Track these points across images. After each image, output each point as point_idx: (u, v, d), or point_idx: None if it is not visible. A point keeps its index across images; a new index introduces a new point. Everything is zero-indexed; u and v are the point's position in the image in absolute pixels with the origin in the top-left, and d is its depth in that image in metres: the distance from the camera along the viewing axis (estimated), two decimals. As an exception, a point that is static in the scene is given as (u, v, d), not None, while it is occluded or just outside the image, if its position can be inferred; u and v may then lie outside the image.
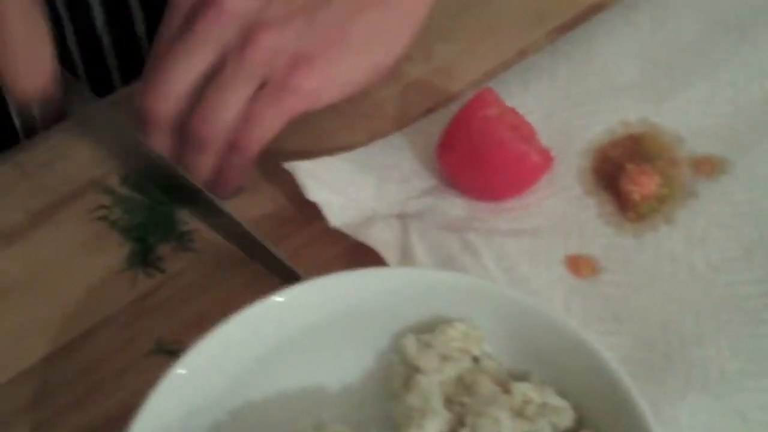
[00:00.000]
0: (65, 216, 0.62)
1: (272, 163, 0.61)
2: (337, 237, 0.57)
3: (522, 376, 0.46)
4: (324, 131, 0.64)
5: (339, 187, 0.59)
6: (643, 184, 0.58)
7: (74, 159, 0.65)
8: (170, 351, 0.55)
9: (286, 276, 0.54)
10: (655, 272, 0.55)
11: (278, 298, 0.46)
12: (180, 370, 0.43)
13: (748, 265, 0.55)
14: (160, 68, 0.57)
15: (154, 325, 0.56)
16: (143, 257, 0.59)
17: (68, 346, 0.56)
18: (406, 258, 0.55)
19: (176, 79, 0.56)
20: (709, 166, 0.60)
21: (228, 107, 0.56)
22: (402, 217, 0.59)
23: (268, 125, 0.57)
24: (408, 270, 0.50)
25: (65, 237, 0.61)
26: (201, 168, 0.58)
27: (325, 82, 0.58)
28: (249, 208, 0.60)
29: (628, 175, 0.58)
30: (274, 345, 0.46)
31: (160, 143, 0.59)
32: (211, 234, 0.60)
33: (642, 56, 0.66)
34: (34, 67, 0.57)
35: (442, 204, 0.59)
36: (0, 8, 0.54)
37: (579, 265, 0.56)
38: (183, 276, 0.58)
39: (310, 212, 0.58)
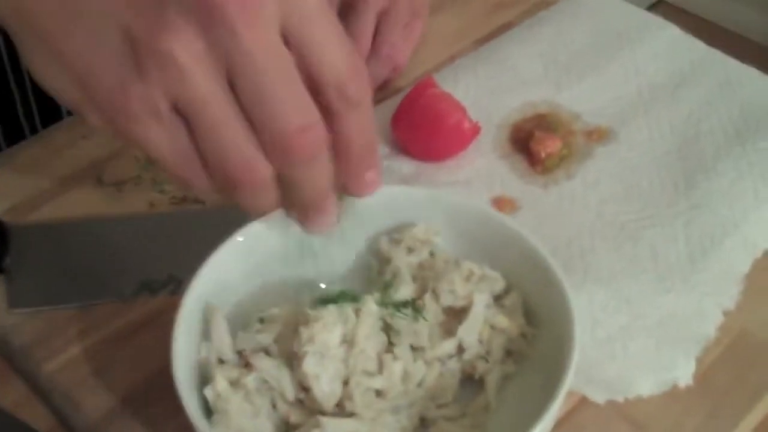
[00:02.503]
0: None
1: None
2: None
3: (465, 259, 0.63)
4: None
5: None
6: (548, 145, 0.76)
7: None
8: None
9: None
10: (559, 207, 0.73)
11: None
12: (239, 237, 0.60)
13: (628, 201, 0.73)
14: None
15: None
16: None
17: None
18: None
19: None
20: (599, 135, 0.78)
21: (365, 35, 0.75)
22: (365, 174, 0.75)
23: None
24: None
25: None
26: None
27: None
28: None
29: (536, 139, 0.76)
30: (288, 244, 0.62)
31: None
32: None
33: (545, 58, 0.85)
34: None
35: (395, 165, 0.76)
36: None
37: (502, 205, 0.73)
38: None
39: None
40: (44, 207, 0.75)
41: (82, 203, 0.75)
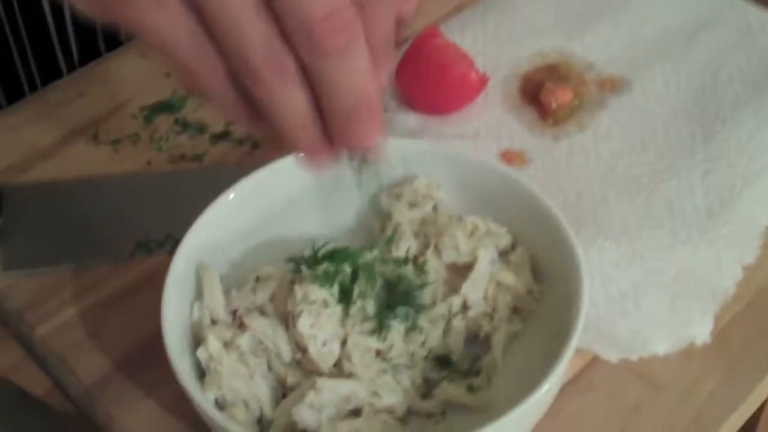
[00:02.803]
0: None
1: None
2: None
3: (470, 214, 0.60)
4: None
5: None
6: (559, 96, 0.73)
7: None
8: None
9: None
10: (570, 160, 0.70)
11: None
12: (231, 195, 0.57)
13: (642, 152, 0.70)
14: None
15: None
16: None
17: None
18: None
19: None
20: (612, 84, 0.75)
21: None
22: (368, 128, 0.72)
23: None
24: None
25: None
26: None
27: None
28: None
29: (547, 90, 0.73)
30: (285, 200, 0.59)
31: None
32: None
33: (556, 6, 0.82)
34: None
35: (399, 118, 0.74)
36: None
37: (511, 158, 0.70)
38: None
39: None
40: (39, 166, 0.73)
41: (78, 162, 0.73)
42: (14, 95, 0.85)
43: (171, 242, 0.65)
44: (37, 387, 0.62)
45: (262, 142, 0.73)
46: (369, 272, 0.54)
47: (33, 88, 0.88)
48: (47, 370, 0.62)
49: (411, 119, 0.73)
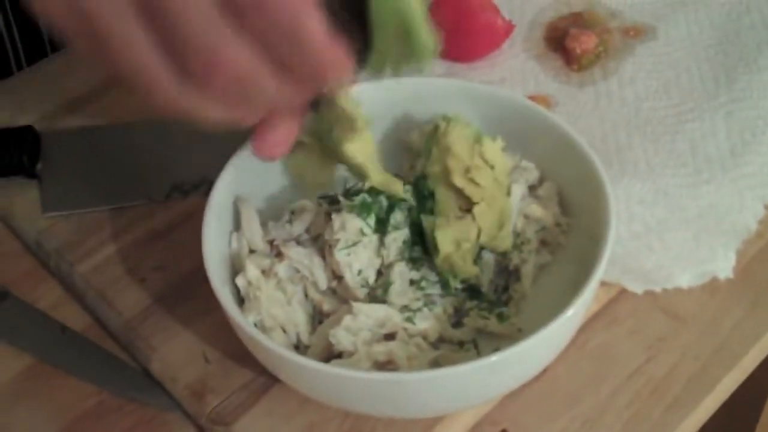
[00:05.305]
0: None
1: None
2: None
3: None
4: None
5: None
6: (583, 42, 0.74)
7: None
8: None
9: None
10: (596, 104, 0.71)
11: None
12: None
13: (666, 96, 0.71)
14: None
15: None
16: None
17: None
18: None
19: None
20: (636, 31, 0.76)
21: None
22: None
23: None
24: (413, 79, 0.64)
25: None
26: None
27: None
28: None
29: (571, 36, 0.74)
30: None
31: None
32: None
33: (579, -44, 0.82)
34: None
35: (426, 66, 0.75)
36: None
37: (537, 102, 0.71)
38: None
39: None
40: (77, 113, 0.75)
41: (114, 109, 0.75)
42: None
43: (206, 184, 0.67)
44: (78, 323, 0.64)
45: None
46: (404, 204, 0.56)
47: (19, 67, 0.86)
48: (87, 306, 0.64)
49: (437, 66, 0.75)
